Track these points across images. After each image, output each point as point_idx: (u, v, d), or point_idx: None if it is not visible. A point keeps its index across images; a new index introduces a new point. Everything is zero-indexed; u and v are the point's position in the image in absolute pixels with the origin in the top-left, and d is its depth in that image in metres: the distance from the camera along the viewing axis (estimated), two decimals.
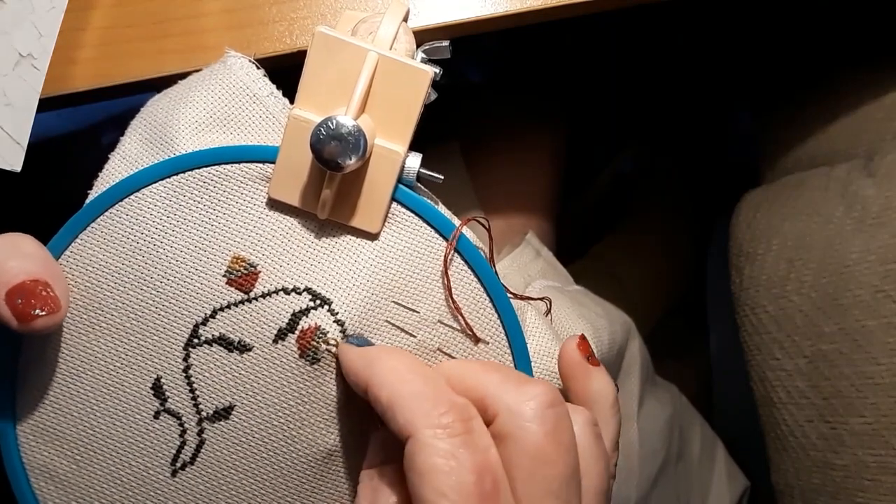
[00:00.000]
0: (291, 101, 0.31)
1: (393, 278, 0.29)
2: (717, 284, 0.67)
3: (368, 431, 0.29)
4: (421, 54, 0.30)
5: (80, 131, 0.68)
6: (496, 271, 0.30)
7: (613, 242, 0.68)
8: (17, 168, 0.33)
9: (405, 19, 0.30)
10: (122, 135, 0.31)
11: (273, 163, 0.29)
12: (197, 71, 0.32)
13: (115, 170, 0.30)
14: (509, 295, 0.30)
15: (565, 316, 0.35)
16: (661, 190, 0.74)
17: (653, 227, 0.70)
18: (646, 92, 0.76)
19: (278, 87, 0.31)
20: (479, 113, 0.55)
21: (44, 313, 0.26)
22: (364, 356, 0.27)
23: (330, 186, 0.28)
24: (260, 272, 0.29)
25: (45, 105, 0.34)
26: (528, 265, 0.42)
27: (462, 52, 0.30)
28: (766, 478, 0.46)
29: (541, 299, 0.33)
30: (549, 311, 0.33)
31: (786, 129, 0.52)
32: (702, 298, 0.69)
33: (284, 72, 0.32)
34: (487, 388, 0.25)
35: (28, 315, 0.25)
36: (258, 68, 0.31)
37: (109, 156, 0.30)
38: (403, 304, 0.29)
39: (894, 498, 0.38)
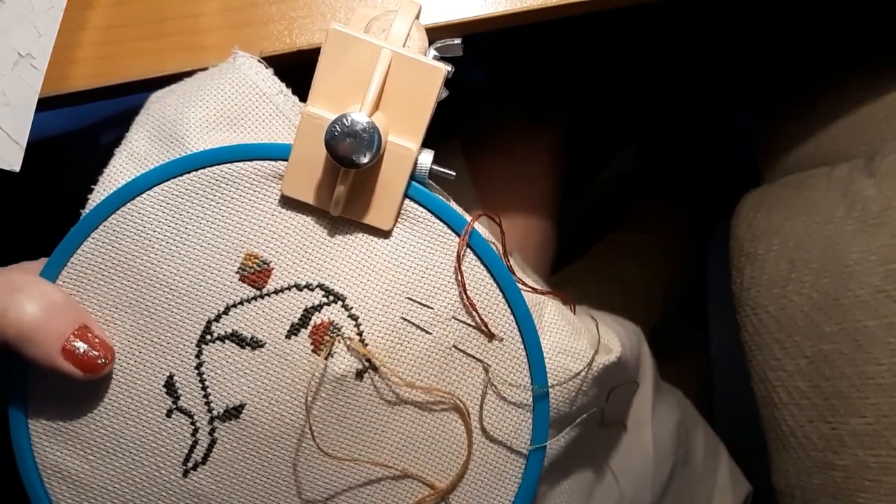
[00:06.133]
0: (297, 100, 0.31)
1: (407, 274, 0.29)
2: (717, 284, 0.67)
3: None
4: (433, 52, 0.30)
5: (80, 131, 0.68)
6: (509, 266, 0.30)
7: (613, 242, 0.68)
8: (16, 168, 0.33)
9: (417, 17, 0.30)
10: (125, 131, 0.31)
11: (284, 160, 0.29)
12: (197, 70, 0.32)
13: (121, 167, 0.30)
14: (528, 289, 0.30)
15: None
16: (661, 190, 0.73)
17: (653, 227, 0.70)
18: (646, 91, 0.76)
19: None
20: (480, 112, 0.55)
21: (107, 360, 0.27)
22: None
23: (343, 183, 0.28)
24: (273, 269, 0.29)
25: (45, 105, 0.34)
26: None
27: (462, 51, 0.30)
28: (767, 478, 0.46)
29: (551, 293, 0.32)
30: (569, 303, 0.33)
31: (786, 128, 0.52)
32: (702, 298, 0.69)
33: (284, 71, 0.32)
34: None
35: (96, 364, 0.26)
36: (267, 67, 0.31)
37: (115, 151, 0.30)
38: (418, 300, 0.29)
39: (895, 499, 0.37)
